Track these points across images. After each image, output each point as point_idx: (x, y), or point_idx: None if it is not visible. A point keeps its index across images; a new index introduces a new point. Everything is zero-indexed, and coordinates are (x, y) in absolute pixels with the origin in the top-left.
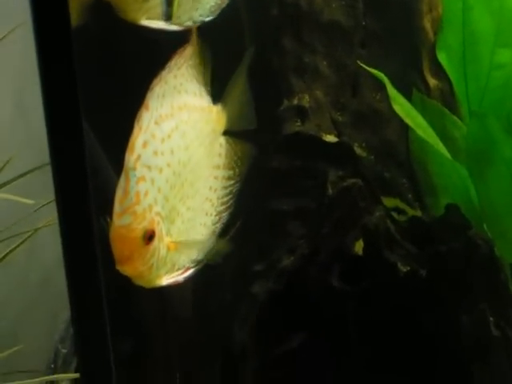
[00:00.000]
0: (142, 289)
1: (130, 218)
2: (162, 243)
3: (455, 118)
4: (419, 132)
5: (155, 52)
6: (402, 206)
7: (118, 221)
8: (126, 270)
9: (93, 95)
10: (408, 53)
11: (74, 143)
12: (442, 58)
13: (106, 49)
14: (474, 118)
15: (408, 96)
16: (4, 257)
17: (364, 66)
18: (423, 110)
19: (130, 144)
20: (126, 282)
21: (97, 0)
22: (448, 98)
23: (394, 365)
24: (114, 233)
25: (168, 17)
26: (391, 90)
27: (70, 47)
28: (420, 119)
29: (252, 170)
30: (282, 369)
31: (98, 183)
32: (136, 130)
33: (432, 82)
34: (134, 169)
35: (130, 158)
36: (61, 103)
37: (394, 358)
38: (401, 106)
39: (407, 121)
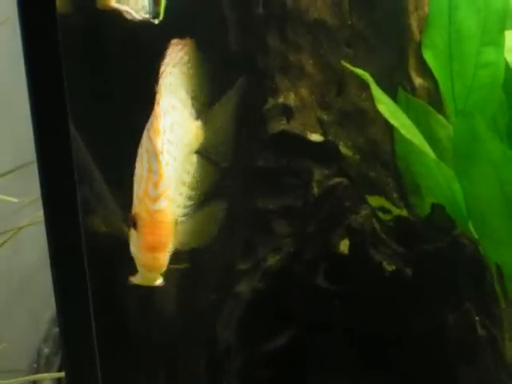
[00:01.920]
0: (127, 287)
1: (165, 202)
2: None
3: (441, 117)
4: (404, 132)
5: (144, 51)
6: (387, 205)
7: (154, 205)
8: (159, 257)
9: (79, 94)
10: (394, 52)
11: (60, 142)
12: (427, 56)
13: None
14: (460, 117)
15: (393, 95)
16: None
17: (348, 65)
18: (408, 110)
19: (154, 127)
20: (111, 280)
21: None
22: (434, 97)
23: (380, 364)
24: (150, 218)
25: (155, 15)
26: (375, 90)
27: (57, 47)
28: (405, 119)
29: (238, 168)
30: (268, 368)
31: (85, 182)
32: (158, 114)
33: (418, 81)
34: (162, 152)
35: (158, 141)
36: (47, 102)
37: (379, 357)
38: (385, 105)
39: (392, 121)
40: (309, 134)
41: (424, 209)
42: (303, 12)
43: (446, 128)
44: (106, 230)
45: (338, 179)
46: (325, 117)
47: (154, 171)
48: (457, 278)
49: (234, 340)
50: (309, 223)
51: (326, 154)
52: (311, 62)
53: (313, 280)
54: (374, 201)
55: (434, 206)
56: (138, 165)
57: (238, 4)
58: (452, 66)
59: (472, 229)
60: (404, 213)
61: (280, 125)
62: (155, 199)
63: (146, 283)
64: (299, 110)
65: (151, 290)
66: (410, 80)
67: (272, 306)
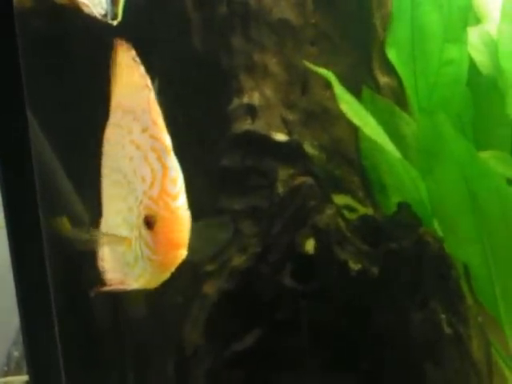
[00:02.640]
0: (92, 290)
1: (184, 198)
2: None
3: (406, 115)
4: (367, 131)
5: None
6: (353, 203)
7: (175, 202)
8: (182, 253)
9: (40, 97)
10: (358, 50)
11: (20, 143)
12: (391, 54)
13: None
14: (423, 115)
15: (358, 94)
16: None
17: (311, 65)
18: (373, 108)
19: (162, 125)
20: (76, 283)
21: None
22: (399, 96)
23: (346, 362)
24: (172, 215)
25: (113, 16)
26: (338, 89)
27: (15, 43)
28: (368, 118)
29: (202, 168)
30: (236, 368)
31: (47, 184)
32: (157, 111)
33: (382, 79)
34: (172, 150)
35: (166, 137)
36: (5, 102)
37: (346, 355)
38: (348, 104)
39: (355, 120)
40: (273, 133)
41: (390, 207)
42: (267, 11)
43: (410, 126)
44: (71, 232)
45: (302, 178)
46: (289, 116)
47: (170, 167)
48: (422, 276)
49: (201, 341)
50: (274, 223)
51: (290, 153)
52: (275, 61)
53: (279, 280)
54: (340, 199)
55: (399, 204)
56: (131, 167)
57: (202, 4)
58: (415, 63)
59: (437, 227)
60: (370, 211)
61: (245, 124)
62: (176, 196)
63: (152, 286)
64: (264, 110)
65: (118, 292)
66: (374, 78)
67: (239, 307)
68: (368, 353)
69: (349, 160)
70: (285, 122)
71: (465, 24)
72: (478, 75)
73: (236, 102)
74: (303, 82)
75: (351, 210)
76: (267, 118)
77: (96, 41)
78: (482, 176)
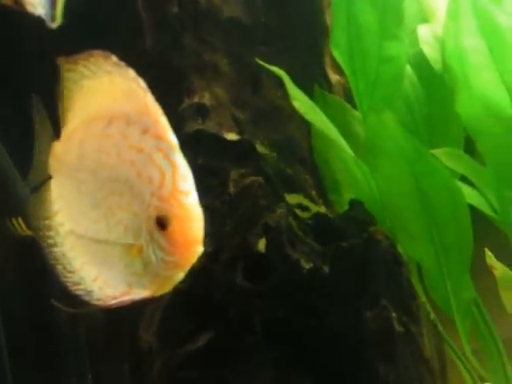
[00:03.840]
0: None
1: (196, 194)
2: None
3: (357, 113)
4: (319, 127)
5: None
6: (305, 202)
7: (188, 198)
8: (200, 250)
9: None
10: (309, 49)
11: None
12: (335, 54)
13: None
14: (370, 113)
15: (310, 92)
16: None
17: (263, 63)
18: (325, 106)
19: (165, 123)
20: (30, 283)
21: None
22: (350, 93)
23: (298, 361)
24: (188, 212)
25: (52, 19)
26: (290, 87)
27: None
28: (321, 115)
29: None
30: (189, 368)
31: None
32: (159, 111)
33: (334, 77)
34: (178, 146)
35: (171, 135)
36: None
37: (298, 354)
38: (300, 102)
39: (307, 117)
40: (225, 132)
41: (343, 205)
42: (217, 10)
43: (362, 124)
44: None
45: (254, 178)
46: (240, 115)
47: (179, 164)
48: (373, 274)
49: (155, 341)
50: (226, 222)
51: (242, 152)
52: (226, 61)
53: (231, 279)
54: (292, 199)
55: (351, 202)
56: (133, 172)
57: (153, 4)
58: (354, 62)
59: (389, 225)
60: (322, 210)
61: (195, 124)
62: (188, 192)
63: (164, 290)
64: (215, 110)
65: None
66: (326, 77)
67: (192, 306)
68: (320, 351)
69: (301, 159)
70: (236, 121)
71: (401, 21)
72: (430, 71)
73: (187, 102)
74: (254, 81)
75: (304, 208)
76: (218, 117)
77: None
78: (431, 173)
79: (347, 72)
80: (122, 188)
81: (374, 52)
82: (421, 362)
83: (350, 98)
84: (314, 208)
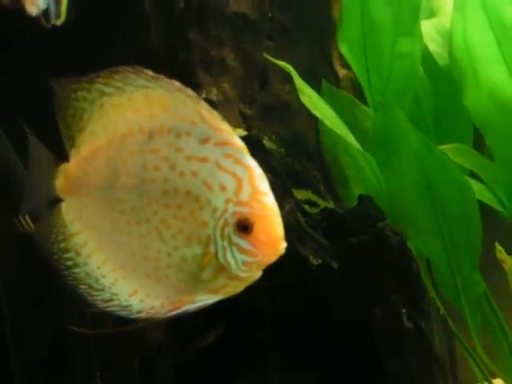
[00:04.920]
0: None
1: (271, 192)
2: None
3: (365, 107)
4: (327, 123)
5: None
6: (314, 198)
7: (269, 198)
8: (284, 247)
9: None
10: (317, 44)
11: None
12: (343, 49)
13: None
14: (379, 109)
15: (317, 87)
16: None
17: (271, 58)
18: (333, 101)
19: (228, 128)
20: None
21: None
22: (358, 88)
23: (307, 357)
24: (271, 211)
25: (57, 16)
26: (298, 82)
27: None
28: (328, 110)
29: None
30: (199, 364)
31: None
32: (220, 118)
33: (342, 72)
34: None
35: (239, 140)
36: None
37: (307, 350)
38: (308, 97)
39: (315, 112)
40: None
41: (352, 200)
42: (223, 5)
43: (370, 119)
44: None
45: None
46: (248, 111)
47: (254, 166)
48: (382, 270)
49: (165, 338)
50: None
51: (249, 148)
52: (233, 56)
53: None
54: (301, 194)
55: (360, 197)
56: (198, 182)
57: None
58: (367, 58)
59: (398, 220)
60: (331, 205)
61: None
62: (267, 192)
63: (240, 290)
64: (222, 105)
65: None
66: (333, 71)
67: None
68: (329, 347)
69: (309, 154)
70: (243, 116)
71: (416, 17)
72: (436, 66)
73: None
74: (261, 76)
75: (312, 204)
76: (226, 113)
77: None
78: (440, 168)
79: (358, 68)
80: (181, 200)
81: (387, 48)
82: (431, 357)
83: (358, 93)
84: (323, 203)
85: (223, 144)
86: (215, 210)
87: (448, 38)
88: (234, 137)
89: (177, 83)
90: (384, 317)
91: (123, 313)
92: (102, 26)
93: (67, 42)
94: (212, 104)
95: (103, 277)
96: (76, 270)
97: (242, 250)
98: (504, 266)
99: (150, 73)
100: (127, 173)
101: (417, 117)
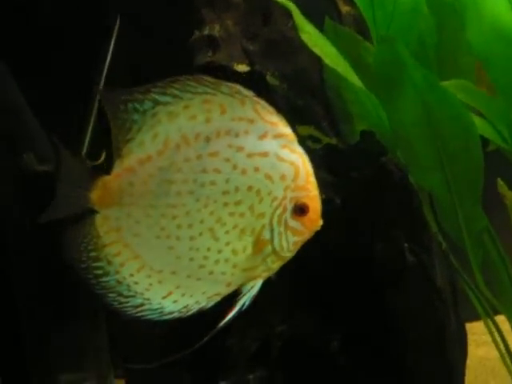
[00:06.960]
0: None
1: None
2: None
3: (369, 44)
4: (328, 61)
5: None
6: (316, 133)
7: (314, 177)
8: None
9: None
10: None
11: None
12: None
13: None
14: (381, 43)
15: (320, 24)
16: None
17: None
18: (336, 38)
19: (280, 120)
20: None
21: None
22: (362, 24)
23: (309, 293)
24: (317, 190)
25: None
26: (298, 19)
27: None
28: (329, 47)
29: None
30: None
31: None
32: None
33: (344, 8)
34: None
35: (289, 129)
36: None
37: (308, 286)
38: (308, 34)
39: (314, 50)
40: (235, 64)
41: (355, 136)
42: None
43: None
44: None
45: None
46: (251, 47)
47: (303, 152)
48: (385, 205)
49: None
50: None
51: (252, 84)
52: None
53: None
54: (304, 130)
55: (362, 132)
56: (259, 176)
57: None
58: None
59: (400, 155)
60: (334, 141)
61: (206, 57)
62: (313, 172)
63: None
64: (225, 41)
65: None
66: (336, 7)
67: None
68: (332, 282)
69: (312, 90)
70: (246, 52)
71: None
72: (440, 2)
73: (197, 34)
74: (265, 12)
75: (315, 140)
76: (229, 49)
77: None
78: (443, 103)
79: (363, 3)
80: (242, 196)
81: None
82: (433, 291)
83: (361, 29)
84: (326, 139)
85: (278, 136)
86: (274, 199)
87: None
88: (286, 127)
89: (237, 86)
90: (386, 251)
91: (153, 316)
92: None
93: None
94: (215, 41)
95: (136, 283)
96: (105, 279)
97: (294, 232)
98: (505, 200)
99: (210, 79)
100: (183, 179)
101: (419, 51)
